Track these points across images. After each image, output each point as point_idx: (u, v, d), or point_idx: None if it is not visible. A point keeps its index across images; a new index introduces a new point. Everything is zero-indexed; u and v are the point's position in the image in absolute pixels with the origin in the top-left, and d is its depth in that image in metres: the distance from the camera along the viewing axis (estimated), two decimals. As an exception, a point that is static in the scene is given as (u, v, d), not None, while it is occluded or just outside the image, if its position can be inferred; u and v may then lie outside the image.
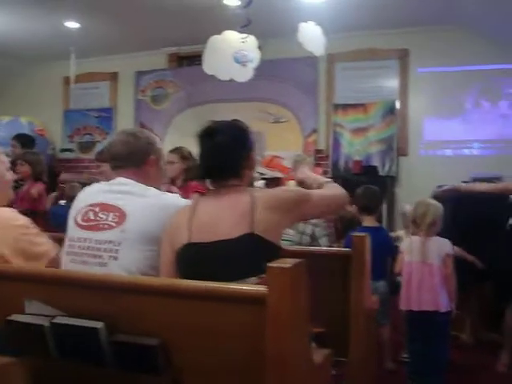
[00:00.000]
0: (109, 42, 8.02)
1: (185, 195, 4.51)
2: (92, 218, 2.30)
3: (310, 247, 3.89)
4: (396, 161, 7.19)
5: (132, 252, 2.21)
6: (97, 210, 2.32)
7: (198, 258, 2.09)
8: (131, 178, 2.42)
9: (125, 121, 8.70)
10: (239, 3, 6.15)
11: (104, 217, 2.28)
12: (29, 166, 5.29)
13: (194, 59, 8.06)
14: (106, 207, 2.32)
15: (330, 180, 2.64)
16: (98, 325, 1.81)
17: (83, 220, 2.32)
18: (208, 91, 7.87)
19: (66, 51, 7.10)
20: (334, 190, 2.49)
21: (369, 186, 4.45)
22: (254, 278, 1.98)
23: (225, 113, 7.81)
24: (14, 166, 5.40)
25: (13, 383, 0.65)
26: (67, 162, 8.82)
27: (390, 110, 7.28)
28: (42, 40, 7.88)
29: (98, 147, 8.74)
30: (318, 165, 7.40)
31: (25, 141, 6.79)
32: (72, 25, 7.19)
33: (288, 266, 1.57)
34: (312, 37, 5.20)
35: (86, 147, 8.93)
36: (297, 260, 1.63)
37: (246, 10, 5.22)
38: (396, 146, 7.20)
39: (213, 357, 1.77)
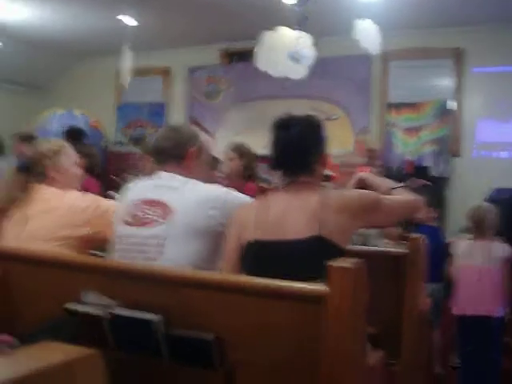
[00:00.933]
0: (162, 37, 8.08)
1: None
2: (138, 214, 2.34)
3: (364, 246, 3.84)
4: (449, 162, 7.07)
5: (179, 246, 2.23)
6: (143, 206, 2.36)
7: (262, 256, 2.08)
8: (174, 172, 2.45)
9: (177, 115, 8.76)
10: (294, 1, 6.14)
11: (150, 212, 2.32)
12: (84, 158, 5.35)
13: (246, 55, 8.06)
14: (151, 203, 2.35)
15: (400, 184, 2.52)
16: (155, 317, 1.83)
17: (129, 217, 2.37)
18: (260, 87, 7.83)
19: (120, 46, 7.17)
20: (407, 195, 2.39)
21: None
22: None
23: (276, 109, 7.73)
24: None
25: (95, 375, 0.65)
26: (119, 155, 8.93)
27: (444, 110, 7.16)
28: (96, 34, 7.99)
29: (150, 141, 8.82)
30: (369, 164, 7.33)
31: (74, 134, 6.92)
32: (126, 20, 7.24)
33: (349, 265, 1.56)
34: (368, 34, 5.14)
35: (137, 140, 9.02)
36: (358, 259, 1.62)
37: (302, 8, 5.19)
38: (449, 147, 7.08)
39: (267, 353, 1.77)
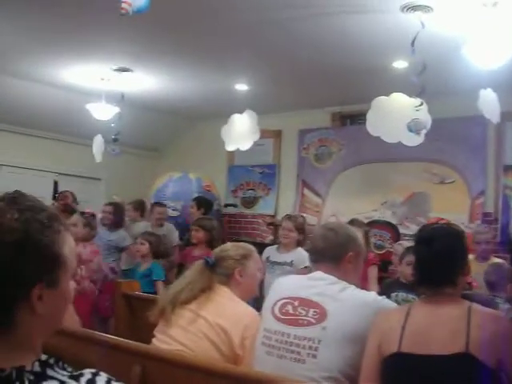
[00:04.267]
0: (273, 101, 8.24)
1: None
2: (291, 311, 2.34)
3: None
4: None
5: (332, 351, 2.20)
6: (296, 304, 2.36)
7: (406, 370, 2.04)
8: (329, 273, 2.44)
9: (288, 177, 8.88)
10: (406, 65, 6.11)
11: (304, 312, 2.31)
12: (203, 232, 5.46)
13: (358, 118, 8.08)
14: (305, 302, 2.34)
15: None
16: None
17: (281, 313, 2.37)
18: (371, 151, 7.74)
19: (232, 110, 7.39)
20: None
21: None
22: None
23: (389, 173, 7.72)
24: (189, 231, 5.67)
25: None
26: (231, 216, 9.07)
27: None
28: (211, 101, 8.29)
29: (261, 203, 8.96)
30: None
31: (202, 203, 7.32)
32: (241, 87, 7.51)
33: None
34: (489, 104, 5.04)
35: (248, 202, 9.16)
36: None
37: (417, 75, 5.13)
38: None
39: None
